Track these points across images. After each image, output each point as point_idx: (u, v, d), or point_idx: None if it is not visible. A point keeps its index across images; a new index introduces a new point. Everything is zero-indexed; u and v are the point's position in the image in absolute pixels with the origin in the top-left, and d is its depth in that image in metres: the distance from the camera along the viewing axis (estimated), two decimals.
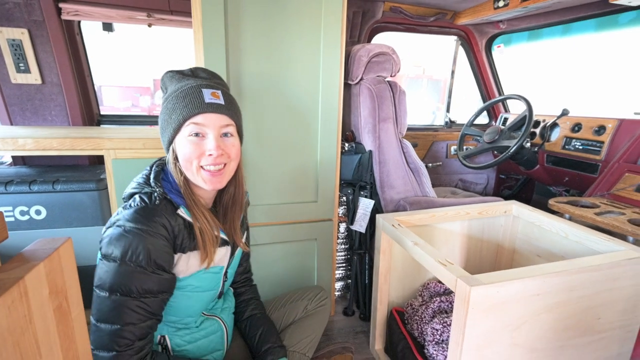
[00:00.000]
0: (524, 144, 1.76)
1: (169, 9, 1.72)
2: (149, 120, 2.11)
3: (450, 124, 2.54)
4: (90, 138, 1.30)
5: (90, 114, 1.84)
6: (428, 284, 1.37)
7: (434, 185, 1.66)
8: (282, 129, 1.33)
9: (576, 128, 1.86)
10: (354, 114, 1.59)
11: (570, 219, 1.29)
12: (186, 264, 0.82)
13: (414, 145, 1.65)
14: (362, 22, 2.03)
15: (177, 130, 0.79)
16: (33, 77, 1.64)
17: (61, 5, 1.59)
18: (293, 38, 1.25)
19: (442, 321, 1.15)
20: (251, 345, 1.04)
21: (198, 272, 0.85)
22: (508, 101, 2.49)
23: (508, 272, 0.85)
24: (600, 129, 1.74)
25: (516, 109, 2.48)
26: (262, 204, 1.37)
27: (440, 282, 1.37)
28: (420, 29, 2.22)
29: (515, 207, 1.38)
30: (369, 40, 2.16)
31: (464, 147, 2.12)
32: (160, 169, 0.85)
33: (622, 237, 1.12)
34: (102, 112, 1.95)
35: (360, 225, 1.53)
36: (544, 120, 2.03)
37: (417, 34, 2.27)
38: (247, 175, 1.32)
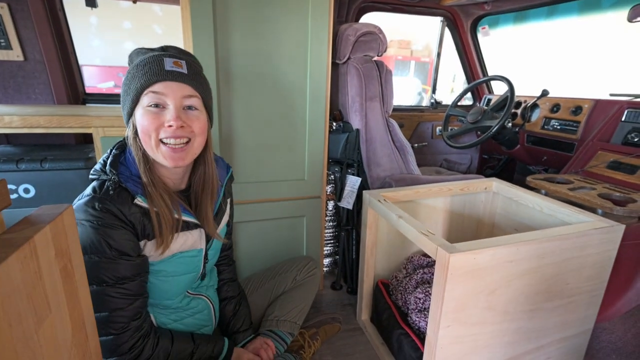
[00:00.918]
0: (505, 124, 1.82)
1: None
2: None
3: (436, 104, 2.59)
4: (78, 116, 1.29)
5: (75, 93, 1.81)
6: (412, 257, 1.44)
7: (419, 165, 1.71)
8: (271, 107, 1.35)
9: (555, 109, 1.93)
10: (341, 93, 1.62)
11: (546, 194, 1.36)
12: (154, 250, 0.80)
13: (401, 126, 1.69)
14: (349, 2, 2.03)
15: (135, 101, 0.74)
16: (15, 54, 1.61)
17: None
18: (281, 17, 1.26)
19: (424, 291, 1.22)
20: (223, 327, 1.07)
21: (172, 256, 0.83)
22: (492, 83, 2.54)
23: (484, 241, 0.91)
24: (577, 110, 1.81)
25: (499, 90, 2.54)
26: (252, 181, 1.40)
27: (423, 255, 1.44)
28: (407, 9, 2.23)
29: (495, 184, 1.45)
30: (356, 20, 2.16)
31: (449, 128, 2.18)
32: (120, 152, 0.80)
33: (593, 210, 1.20)
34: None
35: (347, 202, 1.58)
36: (525, 101, 2.09)
37: (404, 14, 2.28)
38: (236, 153, 1.34)
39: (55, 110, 1.43)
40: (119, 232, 0.73)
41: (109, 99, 1.98)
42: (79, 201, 0.73)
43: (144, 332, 0.79)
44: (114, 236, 0.72)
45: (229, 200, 1.04)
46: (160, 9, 5.22)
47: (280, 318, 1.15)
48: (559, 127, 1.88)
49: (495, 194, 1.47)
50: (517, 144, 2.11)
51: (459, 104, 2.15)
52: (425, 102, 6.21)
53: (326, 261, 1.77)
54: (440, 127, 2.44)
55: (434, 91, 2.66)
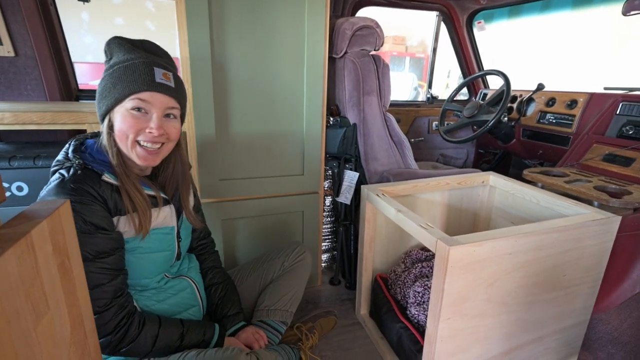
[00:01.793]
0: (501, 118, 1.82)
1: None
2: None
3: (432, 99, 2.59)
4: (71, 112, 1.27)
5: (68, 89, 1.79)
6: (410, 251, 1.44)
7: (416, 160, 1.71)
8: (268, 103, 1.34)
9: (550, 102, 1.94)
10: (338, 87, 1.61)
11: (542, 187, 1.36)
12: (128, 226, 0.82)
13: (397, 121, 1.68)
14: None
15: (118, 101, 0.78)
16: (5, 50, 1.57)
17: None
18: (277, 12, 1.25)
19: (423, 284, 1.22)
20: (211, 314, 1.06)
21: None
22: (488, 77, 2.55)
23: (483, 233, 0.91)
24: (572, 103, 1.82)
25: (495, 85, 2.54)
26: (249, 177, 1.39)
27: (422, 249, 1.44)
28: (403, 4, 2.23)
29: (492, 178, 1.45)
30: (352, 15, 2.15)
31: (445, 123, 2.18)
32: (80, 142, 0.83)
33: (589, 202, 1.20)
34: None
35: (345, 197, 1.57)
36: (520, 95, 2.10)
37: (399, 8, 2.27)
38: (233, 149, 1.33)
39: (48, 106, 1.40)
40: (92, 207, 0.75)
41: None
42: (47, 187, 0.75)
43: (127, 311, 0.79)
44: (88, 212, 0.74)
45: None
46: (152, 5, 5.15)
47: (271, 307, 1.12)
48: (554, 121, 1.89)
49: (492, 187, 1.47)
50: (513, 138, 2.12)
51: (455, 98, 2.16)
52: (422, 98, 6.22)
53: (324, 257, 1.77)
54: (436, 122, 2.45)
55: (430, 86, 2.66)
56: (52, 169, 0.79)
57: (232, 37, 1.22)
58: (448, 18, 2.37)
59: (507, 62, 5.08)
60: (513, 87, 1.84)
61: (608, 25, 3.94)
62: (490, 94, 2.32)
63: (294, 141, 1.42)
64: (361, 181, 1.59)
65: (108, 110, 0.79)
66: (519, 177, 1.46)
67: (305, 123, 1.40)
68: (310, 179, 1.48)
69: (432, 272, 1.35)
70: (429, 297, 1.20)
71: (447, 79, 5.96)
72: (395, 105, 2.46)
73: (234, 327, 1.03)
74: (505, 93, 1.76)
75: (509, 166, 2.47)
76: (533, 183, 1.42)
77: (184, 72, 1.18)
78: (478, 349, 1.00)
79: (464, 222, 1.52)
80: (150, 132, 0.79)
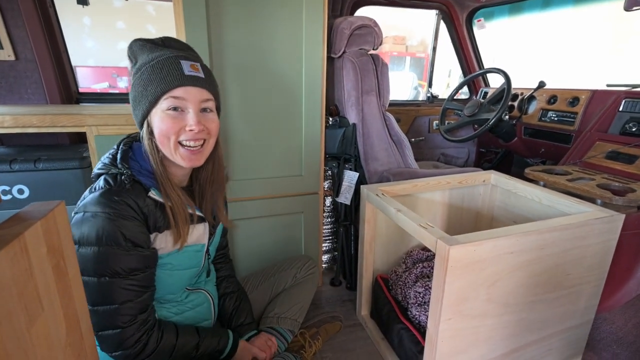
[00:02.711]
0: (502, 116, 1.81)
1: None
2: None
3: (432, 99, 2.58)
4: (71, 115, 1.28)
5: (68, 92, 1.79)
6: (411, 251, 1.43)
7: (416, 160, 1.71)
8: (266, 103, 1.33)
9: (552, 100, 1.92)
10: (337, 87, 1.60)
11: (544, 185, 1.35)
12: (164, 242, 0.81)
13: (397, 121, 1.68)
14: None
15: (153, 104, 0.76)
16: (6, 53, 1.58)
17: None
18: (275, 11, 1.24)
19: (424, 285, 1.21)
20: (224, 323, 1.07)
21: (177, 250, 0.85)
22: (488, 75, 2.54)
23: (484, 233, 0.90)
24: (574, 101, 1.80)
25: (496, 83, 2.53)
26: (248, 178, 1.39)
27: (422, 249, 1.43)
28: (402, 2, 2.22)
29: (494, 176, 1.44)
30: (351, 14, 2.15)
31: (446, 122, 2.17)
32: (128, 147, 0.82)
33: (592, 200, 1.19)
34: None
35: (345, 197, 1.57)
36: (521, 93, 2.09)
37: (398, 7, 2.26)
38: (232, 150, 1.33)
39: (48, 109, 1.41)
40: (133, 223, 0.74)
41: (103, 98, 1.96)
42: (92, 194, 0.74)
43: (149, 326, 0.79)
44: (129, 227, 0.74)
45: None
46: (153, 9, 5.17)
47: (281, 315, 1.15)
48: (556, 119, 1.87)
49: (493, 186, 1.46)
50: (514, 136, 2.10)
51: (455, 97, 2.15)
52: (422, 97, 6.20)
53: (325, 257, 1.76)
54: (437, 121, 2.44)
55: (430, 85, 2.65)
56: (97, 171, 0.78)
57: (230, 37, 1.22)
58: (447, 16, 2.36)
59: (508, 60, 5.06)
60: (514, 85, 1.83)
61: (609, 21, 3.91)
62: (491, 92, 2.31)
63: (293, 142, 1.41)
64: (361, 181, 1.58)
65: (145, 115, 0.78)
66: (521, 176, 1.45)
67: (305, 123, 1.40)
68: (309, 180, 1.48)
69: (432, 272, 1.34)
70: (430, 298, 1.19)
71: (448, 79, 5.95)
72: (396, 104, 2.46)
73: (248, 334, 1.04)
74: (506, 91, 1.75)
75: (511, 165, 2.45)
76: (535, 181, 1.40)
77: None
78: (480, 350, 0.99)
79: (465, 222, 1.51)
80: (190, 130, 0.77)
